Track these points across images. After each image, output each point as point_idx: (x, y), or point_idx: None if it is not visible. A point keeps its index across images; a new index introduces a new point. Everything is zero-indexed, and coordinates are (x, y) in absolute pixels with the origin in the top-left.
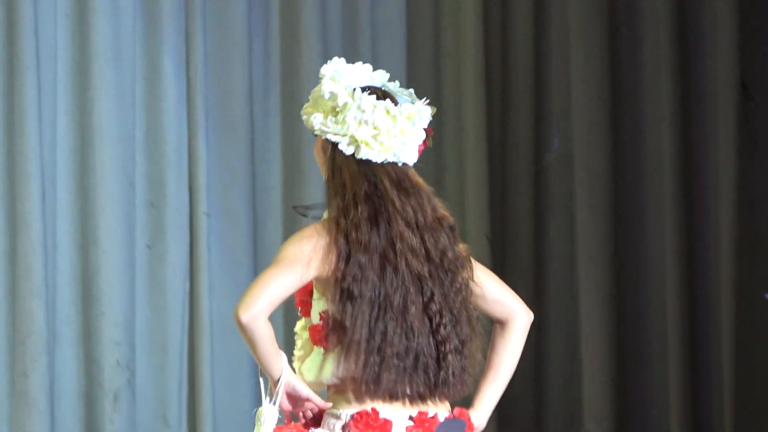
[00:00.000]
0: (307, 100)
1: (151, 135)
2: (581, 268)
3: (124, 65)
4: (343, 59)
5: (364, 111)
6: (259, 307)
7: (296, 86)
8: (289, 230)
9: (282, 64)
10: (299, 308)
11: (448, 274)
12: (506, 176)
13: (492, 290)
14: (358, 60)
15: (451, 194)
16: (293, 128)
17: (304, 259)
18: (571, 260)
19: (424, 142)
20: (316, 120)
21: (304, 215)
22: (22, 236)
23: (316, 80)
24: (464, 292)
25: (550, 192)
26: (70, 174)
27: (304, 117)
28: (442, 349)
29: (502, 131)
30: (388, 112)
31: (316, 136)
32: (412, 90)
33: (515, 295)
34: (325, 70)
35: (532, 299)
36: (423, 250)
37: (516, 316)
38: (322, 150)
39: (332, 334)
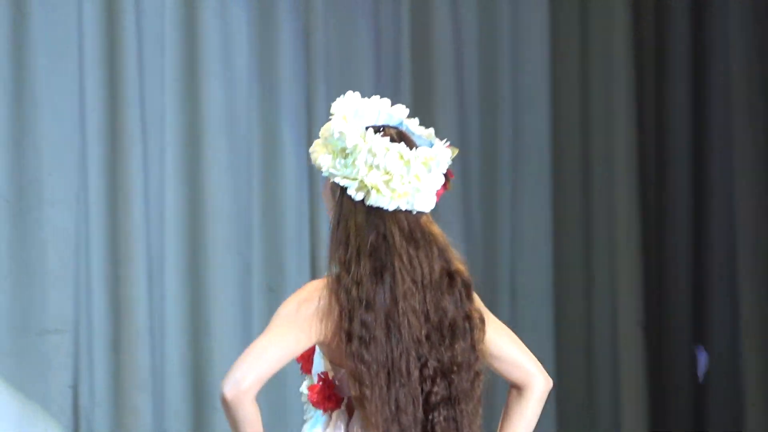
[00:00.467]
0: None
1: (269, 212)
2: (746, 359)
3: (238, 135)
4: (357, 93)
5: (375, 155)
6: (246, 384)
7: None
8: None
9: None
10: (300, 363)
11: (445, 339)
12: (662, 258)
13: (509, 353)
14: (497, 132)
15: (601, 279)
16: None
17: (304, 324)
18: (734, 350)
19: (444, 186)
20: (324, 161)
21: None
22: (126, 323)
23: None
24: (464, 357)
25: (712, 275)
26: (179, 255)
27: (313, 156)
28: (431, 417)
29: (658, 211)
30: (401, 156)
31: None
32: (432, 130)
33: (535, 359)
34: (336, 106)
35: (692, 392)
36: (424, 310)
37: (534, 382)
38: (331, 193)
39: (334, 397)
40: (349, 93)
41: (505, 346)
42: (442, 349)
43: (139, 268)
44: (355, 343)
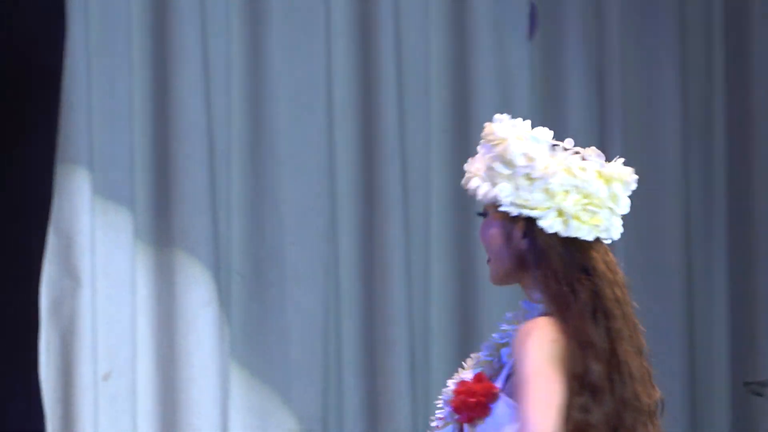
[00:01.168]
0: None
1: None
2: None
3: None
4: (521, 119)
5: (574, 175)
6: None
7: (750, 231)
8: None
9: (729, 198)
10: (466, 413)
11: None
12: None
13: None
14: None
15: None
16: (745, 281)
17: (561, 365)
18: None
19: None
20: (504, 192)
21: (760, 394)
22: (384, 423)
23: None
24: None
25: None
26: (447, 342)
27: (481, 189)
28: None
29: None
30: (600, 174)
31: (482, 215)
32: (600, 153)
33: None
34: (503, 130)
35: None
36: (645, 352)
37: None
38: (502, 234)
39: None
40: (507, 118)
41: None
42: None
43: (400, 356)
44: (584, 398)
